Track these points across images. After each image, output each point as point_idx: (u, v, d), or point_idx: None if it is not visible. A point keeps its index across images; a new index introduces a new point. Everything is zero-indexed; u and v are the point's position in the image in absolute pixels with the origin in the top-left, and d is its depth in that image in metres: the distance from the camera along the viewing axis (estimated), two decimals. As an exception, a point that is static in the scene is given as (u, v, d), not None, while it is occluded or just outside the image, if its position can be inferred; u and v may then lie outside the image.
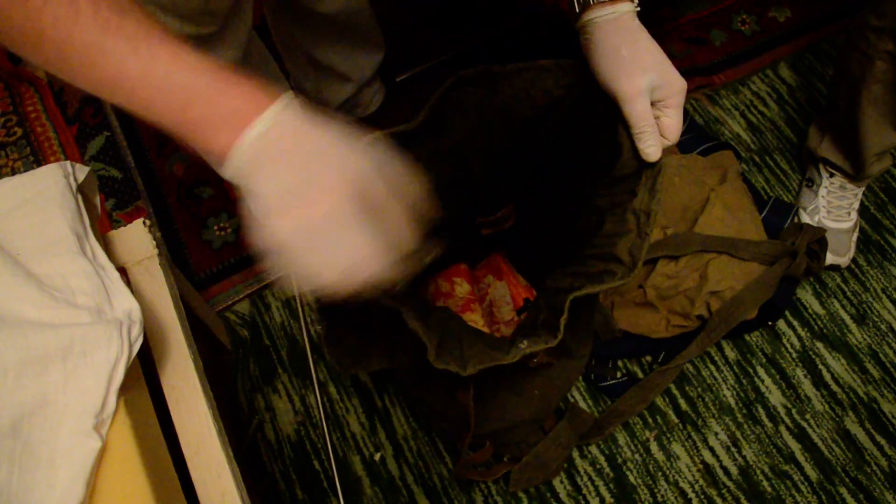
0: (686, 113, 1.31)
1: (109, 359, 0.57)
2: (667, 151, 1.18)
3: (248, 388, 1.13)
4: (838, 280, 1.25)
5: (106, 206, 1.27)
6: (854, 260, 1.27)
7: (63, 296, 0.61)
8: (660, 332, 1.07)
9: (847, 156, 1.21)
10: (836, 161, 1.23)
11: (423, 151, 0.69)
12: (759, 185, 1.34)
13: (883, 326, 1.21)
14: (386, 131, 0.65)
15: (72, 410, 0.56)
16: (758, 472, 1.09)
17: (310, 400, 1.12)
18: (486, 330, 0.99)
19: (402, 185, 0.49)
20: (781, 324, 1.20)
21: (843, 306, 1.23)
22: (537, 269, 1.04)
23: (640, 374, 1.15)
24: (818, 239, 1.14)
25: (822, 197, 1.26)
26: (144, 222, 0.77)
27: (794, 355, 1.18)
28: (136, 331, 0.60)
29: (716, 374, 1.16)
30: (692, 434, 1.12)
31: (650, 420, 1.12)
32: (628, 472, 1.09)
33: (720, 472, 1.09)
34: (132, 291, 0.64)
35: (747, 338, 1.19)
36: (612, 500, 1.07)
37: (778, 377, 1.16)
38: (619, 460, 1.09)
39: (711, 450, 1.11)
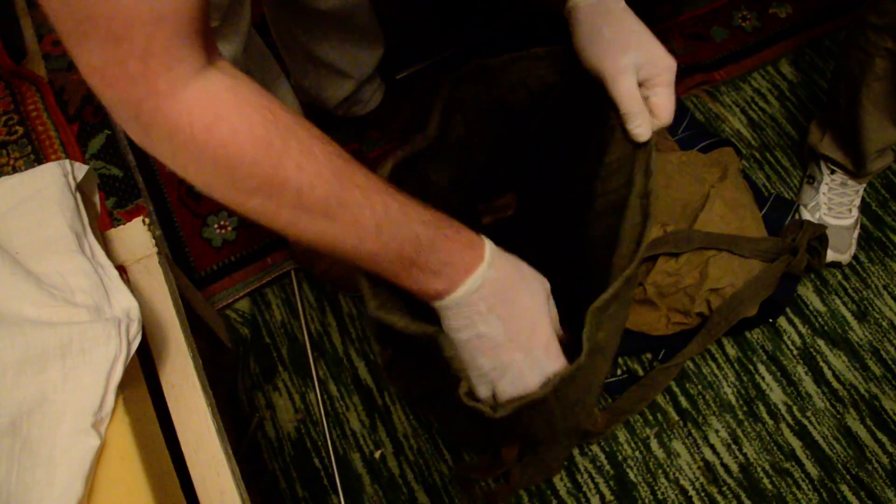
0: (686, 109, 1.32)
1: (108, 357, 0.57)
2: (667, 144, 1.18)
3: (249, 386, 1.13)
4: (839, 277, 1.25)
5: (106, 205, 1.27)
6: (855, 257, 1.26)
7: (62, 294, 0.61)
8: (660, 330, 1.07)
9: (848, 152, 1.20)
10: (836, 158, 1.22)
11: (428, 152, 0.69)
12: (760, 181, 1.34)
13: (884, 323, 1.21)
14: (406, 152, 0.64)
15: (71, 408, 0.56)
16: (758, 469, 1.09)
17: (310, 398, 1.12)
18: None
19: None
20: (782, 321, 1.20)
21: (844, 303, 1.23)
22: (540, 267, 1.04)
23: (641, 372, 1.15)
24: (819, 236, 1.14)
25: (823, 194, 1.26)
26: (143, 221, 0.77)
27: (795, 352, 1.18)
28: (135, 329, 0.60)
29: (716, 371, 1.16)
30: (693, 431, 1.11)
31: (650, 417, 1.12)
32: (628, 470, 1.09)
33: (721, 470, 1.09)
34: (131, 290, 0.64)
35: (748, 335, 1.19)
36: (612, 498, 1.07)
37: (779, 374, 1.16)
38: (620, 458, 1.09)
39: (712, 447, 1.11)
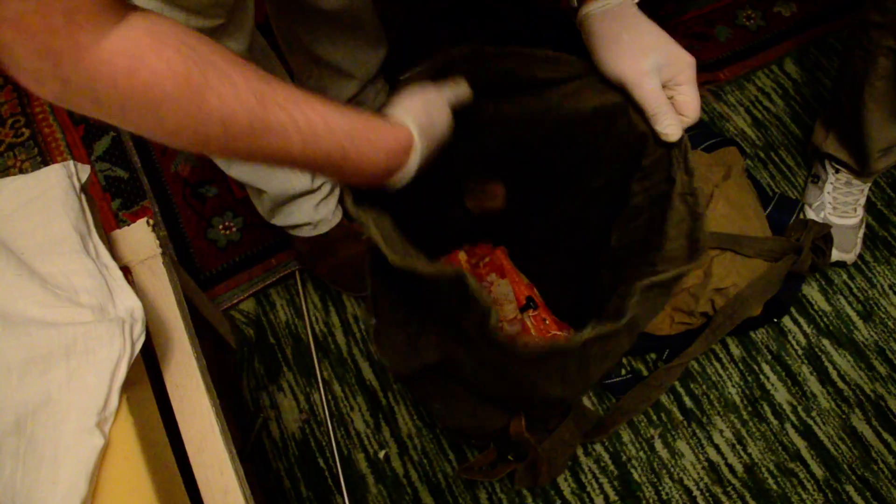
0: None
1: (112, 357, 0.57)
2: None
3: (253, 387, 1.14)
4: (844, 276, 1.25)
5: (112, 206, 1.28)
6: (861, 256, 1.26)
7: (66, 294, 0.61)
8: (664, 330, 1.07)
9: (852, 152, 1.20)
10: (841, 157, 1.22)
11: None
12: (765, 181, 1.33)
13: (890, 323, 1.21)
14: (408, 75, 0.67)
15: (75, 408, 0.56)
16: (763, 469, 1.09)
17: (314, 398, 1.12)
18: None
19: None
20: (787, 321, 1.20)
21: (849, 303, 1.22)
22: (540, 266, 1.04)
23: (645, 372, 1.15)
24: (823, 235, 1.13)
25: (828, 193, 1.26)
26: (148, 222, 0.77)
27: (800, 352, 1.18)
28: (139, 329, 0.60)
29: (721, 371, 1.16)
30: (697, 431, 1.11)
31: (655, 417, 1.12)
32: (633, 470, 1.08)
33: (725, 470, 1.09)
34: (136, 290, 0.65)
35: (752, 335, 1.19)
36: (616, 498, 1.07)
37: (783, 374, 1.16)
38: (624, 458, 1.09)
39: (716, 447, 1.10)
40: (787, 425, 1.12)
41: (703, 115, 1.40)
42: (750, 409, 1.13)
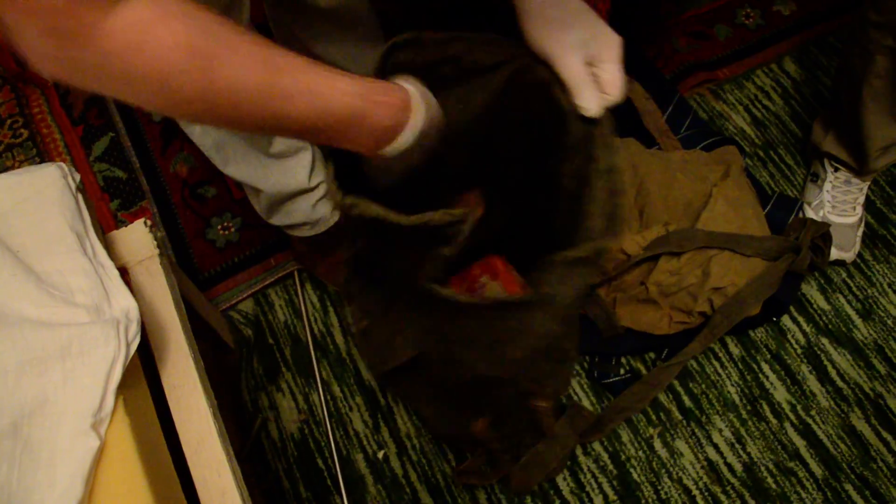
0: (689, 108, 1.31)
1: (107, 358, 0.57)
2: (669, 143, 1.17)
3: (252, 387, 1.14)
4: (844, 275, 1.25)
5: (111, 206, 1.28)
6: (860, 254, 1.26)
7: (61, 294, 0.61)
8: (662, 329, 1.07)
9: (851, 150, 1.20)
10: (840, 156, 1.22)
11: None
12: (764, 179, 1.33)
13: (889, 321, 1.20)
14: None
15: (71, 410, 0.56)
16: (762, 468, 1.09)
17: (313, 398, 1.12)
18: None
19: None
20: (786, 319, 1.20)
21: (848, 301, 1.22)
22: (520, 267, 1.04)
23: (644, 371, 1.15)
24: (822, 234, 1.13)
25: (827, 192, 1.25)
26: (145, 222, 0.77)
27: (799, 351, 1.18)
28: (134, 330, 0.60)
29: (720, 370, 1.16)
30: (696, 431, 1.11)
31: (654, 417, 1.12)
32: (632, 470, 1.08)
33: (724, 469, 1.09)
34: (133, 291, 0.65)
35: (752, 334, 1.19)
36: (615, 498, 1.07)
37: (783, 373, 1.16)
38: (623, 457, 1.09)
39: (715, 446, 1.10)
40: (787, 424, 1.12)
41: (703, 114, 1.40)
42: (749, 408, 1.13)
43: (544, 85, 0.68)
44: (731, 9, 1.54)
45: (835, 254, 1.21)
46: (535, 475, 1.01)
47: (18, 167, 1.31)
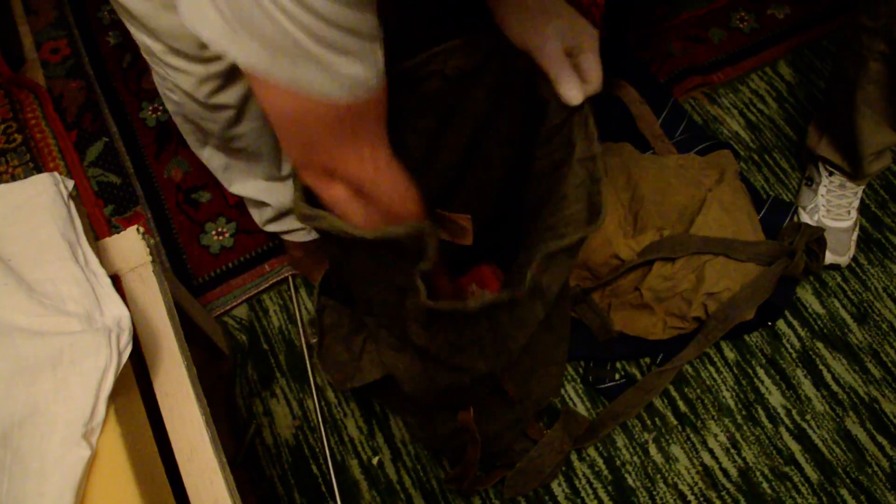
0: (684, 111, 1.31)
1: (98, 367, 0.57)
2: (664, 147, 1.17)
3: (247, 393, 1.13)
4: (839, 279, 1.25)
5: (104, 212, 1.27)
6: (855, 259, 1.26)
7: (53, 302, 0.61)
8: (657, 334, 1.07)
9: (845, 155, 1.20)
10: (834, 160, 1.22)
11: None
12: (759, 183, 1.33)
13: (884, 325, 1.21)
14: None
15: (62, 419, 0.56)
16: (757, 473, 1.09)
17: (308, 404, 1.12)
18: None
19: None
20: (781, 324, 1.20)
21: (843, 305, 1.22)
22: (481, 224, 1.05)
23: (639, 377, 1.15)
24: (817, 238, 1.13)
25: (822, 196, 1.25)
26: (138, 229, 0.77)
27: (794, 355, 1.18)
28: (126, 338, 0.60)
29: (715, 375, 1.16)
30: (691, 436, 1.11)
31: (649, 422, 1.12)
32: (627, 475, 1.08)
33: (719, 474, 1.09)
34: (126, 298, 0.64)
35: (747, 338, 1.19)
36: (610, 503, 1.06)
37: (778, 378, 1.16)
38: (618, 463, 1.09)
39: (711, 451, 1.10)
40: (782, 429, 1.12)
41: (697, 118, 1.40)
42: (744, 412, 1.13)
43: (525, 75, 0.69)
44: (725, 12, 1.54)
45: (829, 258, 1.22)
46: (529, 481, 1.01)
47: (12, 172, 1.31)
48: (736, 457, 1.10)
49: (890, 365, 1.17)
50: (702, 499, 1.07)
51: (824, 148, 1.23)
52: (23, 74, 1.41)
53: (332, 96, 0.48)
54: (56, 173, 0.68)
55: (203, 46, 0.71)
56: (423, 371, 0.70)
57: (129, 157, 1.33)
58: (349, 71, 0.47)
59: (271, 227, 1.11)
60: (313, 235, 1.14)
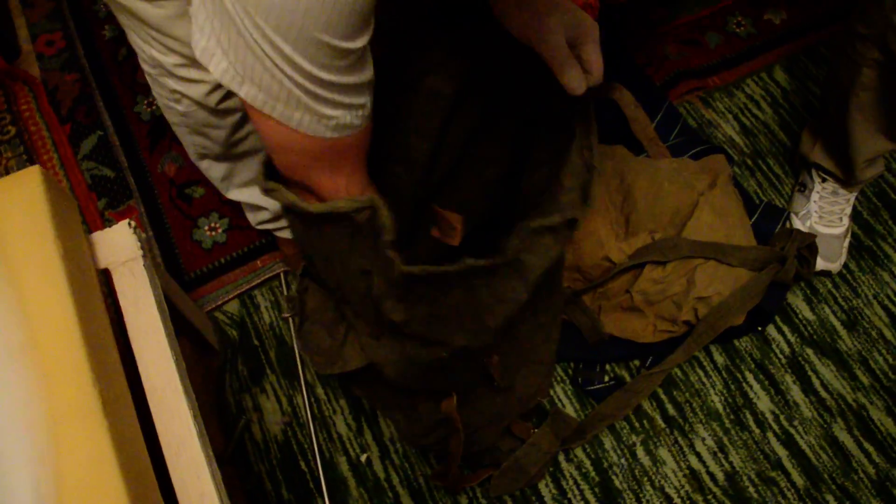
0: (679, 115, 1.31)
1: None
2: (657, 150, 1.18)
3: (236, 388, 1.13)
4: (829, 286, 1.25)
5: (98, 205, 1.27)
6: (846, 265, 1.26)
7: None
8: (647, 337, 1.07)
9: (838, 161, 1.20)
10: (828, 166, 1.22)
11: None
12: (752, 188, 1.34)
13: (873, 333, 1.21)
14: None
15: None
16: (744, 478, 1.09)
17: (297, 400, 1.12)
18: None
19: None
20: (771, 329, 1.20)
21: (833, 312, 1.23)
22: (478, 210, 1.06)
23: (628, 379, 1.15)
24: (808, 244, 1.14)
25: (814, 202, 1.26)
26: (129, 223, 0.77)
27: (784, 361, 1.18)
28: None
29: (704, 379, 1.16)
30: (679, 439, 1.12)
31: (637, 424, 1.12)
32: (614, 477, 1.09)
33: (706, 478, 1.09)
34: (116, 293, 0.64)
35: (736, 343, 1.19)
36: (598, 504, 1.07)
37: (767, 383, 1.16)
38: (605, 464, 1.09)
39: (698, 455, 1.11)
40: (769, 434, 1.13)
41: (692, 122, 1.40)
42: (732, 417, 1.14)
43: (522, 65, 0.70)
44: (722, 17, 1.54)
45: (821, 264, 1.22)
46: (516, 480, 1.01)
47: (5, 164, 1.31)
48: (723, 461, 1.10)
49: (878, 372, 1.18)
50: (688, 502, 1.08)
51: (817, 154, 1.23)
52: (17, 66, 1.41)
53: (318, 135, 0.53)
54: None
55: None
56: (401, 353, 0.71)
57: (123, 150, 1.33)
58: (337, 117, 0.52)
59: (264, 226, 1.11)
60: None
